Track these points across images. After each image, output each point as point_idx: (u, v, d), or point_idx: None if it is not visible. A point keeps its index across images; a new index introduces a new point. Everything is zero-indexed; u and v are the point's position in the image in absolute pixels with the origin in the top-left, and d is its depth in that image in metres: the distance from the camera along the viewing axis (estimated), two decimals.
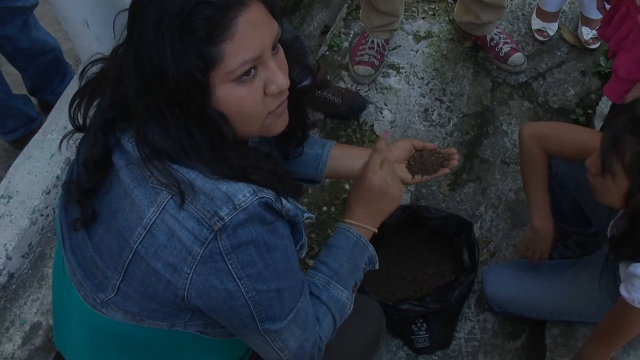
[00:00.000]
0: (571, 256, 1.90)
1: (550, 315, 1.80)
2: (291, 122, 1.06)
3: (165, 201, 0.95)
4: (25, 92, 2.51)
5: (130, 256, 0.98)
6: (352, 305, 1.19)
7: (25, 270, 1.97)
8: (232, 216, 0.92)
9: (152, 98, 0.91)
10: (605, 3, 1.76)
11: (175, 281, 0.96)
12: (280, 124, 1.03)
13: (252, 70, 0.92)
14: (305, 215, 1.07)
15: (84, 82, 1.02)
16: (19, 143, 2.32)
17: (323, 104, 2.28)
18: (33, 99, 2.53)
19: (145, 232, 0.96)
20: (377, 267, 1.23)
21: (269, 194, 0.96)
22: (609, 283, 1.65)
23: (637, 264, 1.32)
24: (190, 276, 0.96)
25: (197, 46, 0.87)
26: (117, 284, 1.02)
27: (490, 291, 1.85)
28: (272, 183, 1.00)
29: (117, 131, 0.99)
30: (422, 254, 1.97)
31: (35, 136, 2.16)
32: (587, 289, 1.69)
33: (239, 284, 0.96)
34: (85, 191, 1.03)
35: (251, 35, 0.90)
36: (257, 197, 0.94)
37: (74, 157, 1.09)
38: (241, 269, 0.96)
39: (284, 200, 1.00)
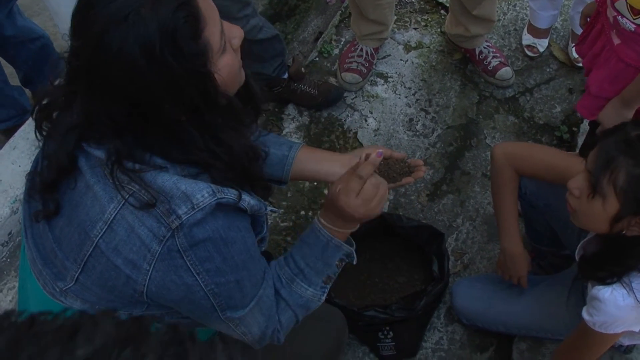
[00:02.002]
0: (543, 275, 1.89)
1: (518, 331, 1.79)
2: (239, 95, 1.08)
3: (126, 197, 0.97)
4: (19, 84, 2.55)
5: (91, 250, 1.00)
6: (323, 297, 1.19)
7: (4, 259, 2.00)
8: (189, 215, 0.94)
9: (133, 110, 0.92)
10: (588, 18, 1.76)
11: (135, 277, 0.98)
12: (244, 73, 1.07)
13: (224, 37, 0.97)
14: (269, 209, 1.09)
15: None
16: (10, 133, 2.35)
17: (300, 96, 2.32)
18: (27, 91, 2.57)
19: (106, 227, 0.98)
20: (354, 262, 1.24)
21: (229, 194, 0.98)
22: (576, 301, 1.64)
23: (600, 287, 1.30)
24: (149, 273, 0.98)
25: (190, 48, 0.90)
26: (76, 275, 1.04)
27: (459, 304, 1.85)
28: (242, 185, 1.02)
29: (83, 143, 1.00)
30: (395, 263, 1.98)
31: (22, 127, 2.19)
32: (555, 307, 1.68)
33: (198, 279, 0.99)
34: (48, 184, 1.04)
35: (209, 9, 0.94)
36: (216, 197, 0.96)
37: (39, 149, 1.12)
38: (199, 265, 0.98)
39: (246, 197, 1.01)
